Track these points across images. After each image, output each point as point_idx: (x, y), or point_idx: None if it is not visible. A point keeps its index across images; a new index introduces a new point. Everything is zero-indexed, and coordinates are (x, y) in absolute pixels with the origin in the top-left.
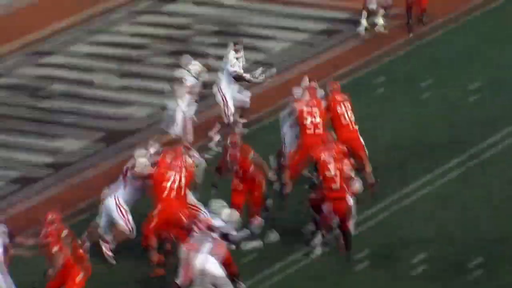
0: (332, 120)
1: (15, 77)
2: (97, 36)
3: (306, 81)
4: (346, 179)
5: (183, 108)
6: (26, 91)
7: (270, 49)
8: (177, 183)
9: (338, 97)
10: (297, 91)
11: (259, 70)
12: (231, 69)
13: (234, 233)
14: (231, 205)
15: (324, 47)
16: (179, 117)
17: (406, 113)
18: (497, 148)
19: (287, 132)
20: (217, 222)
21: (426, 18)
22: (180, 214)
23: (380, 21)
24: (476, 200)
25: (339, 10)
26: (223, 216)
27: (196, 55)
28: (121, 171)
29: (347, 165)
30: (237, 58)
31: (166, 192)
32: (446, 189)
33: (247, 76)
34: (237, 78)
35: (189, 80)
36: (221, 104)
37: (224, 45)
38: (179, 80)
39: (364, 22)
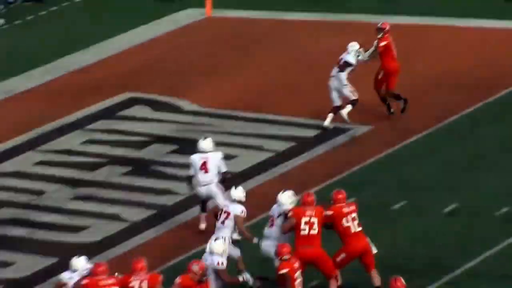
0: (337, 231)
1: None
2: (48, 156)
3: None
4: None
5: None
6: None
7: (233, 169)
8: None
9: (345, 209)
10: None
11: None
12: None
13: None
14: None
15: (291, 163)
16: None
17: (378, 234)
18: (474, 273)
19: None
20: None
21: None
22: None
23: (345, 111)
24: None
25: (305, 127)
26: None
27: (153, 174)
28: None
29: None
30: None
31: None
32: None
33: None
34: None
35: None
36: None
37: (184, 166)
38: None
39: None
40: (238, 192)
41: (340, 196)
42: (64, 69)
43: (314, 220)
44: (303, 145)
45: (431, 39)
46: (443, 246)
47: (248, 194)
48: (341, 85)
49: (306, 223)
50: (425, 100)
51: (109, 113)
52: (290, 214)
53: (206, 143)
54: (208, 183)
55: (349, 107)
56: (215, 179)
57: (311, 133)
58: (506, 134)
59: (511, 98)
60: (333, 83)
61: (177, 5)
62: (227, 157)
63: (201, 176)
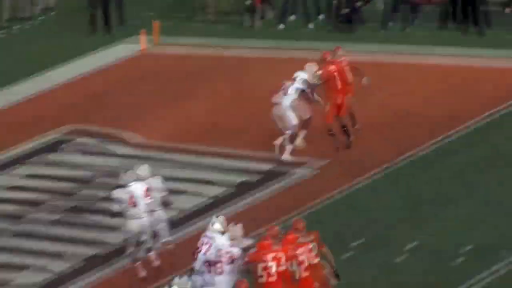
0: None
1: None
2: None
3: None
4: None
5: None
6: None
7: (180, 205)
8: None
9: (299, 240)
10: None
11: None
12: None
13: None
14: None
15: (241, 200)
16: None
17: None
18: None
19: None
20: None
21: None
22: None
23: (300, 139)
24: None
25: (258, 161)
26: None
27: (96, 213)
28: None
29: None
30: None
31: None
32: None
33: None
34: None
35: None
36: None
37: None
38: None
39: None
40: (221, 223)
41: (298, 225)
42: None
43: (272, 264)
44: (255, 180)
45: (389, 73)
46: (404, 285)
47: (197, 233)
48: (290, 108)
49: (263, 269)
50: (383, 134)
51: (47, 150)
52: (247, 259)
53: (144, 170)
54: (153, 209)
55: (302, 134)
56: (160, 205)
57: (265, 166)
58: (468, 168)
59: (471, 132)
60: (276, 111)
61: (115, 38)
62: (174, 192)
63: (145, 204)
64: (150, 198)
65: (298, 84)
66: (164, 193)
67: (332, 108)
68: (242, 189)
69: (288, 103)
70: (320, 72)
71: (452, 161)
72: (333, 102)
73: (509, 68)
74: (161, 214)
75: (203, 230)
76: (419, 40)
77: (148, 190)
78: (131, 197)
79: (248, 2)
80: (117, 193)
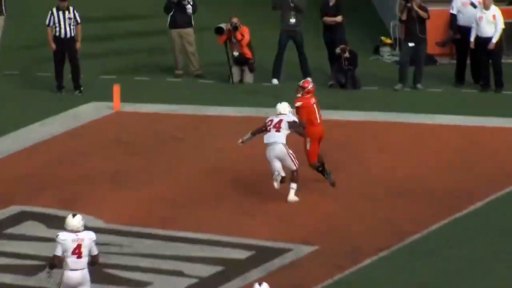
0: None
1: None
2: None
3: None
4: None
5: None
6: None
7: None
8: None
9: None
10: None
11: None
12: None
13: None
14: None
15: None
16: None
17: None
18: None
19: None
20: None
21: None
22: None
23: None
24: None
25: (234, 248)
26: None
27: None
28: None
29: None
30: None
31: None
32: None
33: None
34: None
35: None
36: None
37: None
38: None
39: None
40: None
41: None
42: None
43: None
44: (232, 269)
45: (391, 137)
46: None
47: None
48: (284, 152)
49: None
50: (382, 213)
51: None
52: None
53: (77, 221)
54: (81, 268)
55: (294, 187)
56: (87, 264)
57: (241, 254)
58: (478, 255)
59: (487, 210)
60: (273, 151)
61: (79, 98)
62: (139, 284)
63: (73, 262)
64: (79, 257)
65: (289, 118)
66: (95, 252)
67: (314, 144)
68: (215, 280)
69: (284, 140)
70: (300, 103)
71: (461, 247)
72: (313, 138)
73: None
74: (87, 275)
75: None
76: (428, 99)
77: (79, 247)
78: (79, 246)
79: (236, 54)
80: (66, 238)
